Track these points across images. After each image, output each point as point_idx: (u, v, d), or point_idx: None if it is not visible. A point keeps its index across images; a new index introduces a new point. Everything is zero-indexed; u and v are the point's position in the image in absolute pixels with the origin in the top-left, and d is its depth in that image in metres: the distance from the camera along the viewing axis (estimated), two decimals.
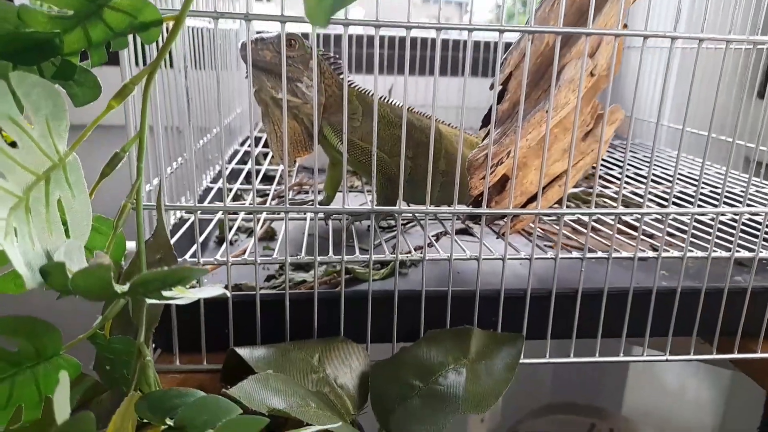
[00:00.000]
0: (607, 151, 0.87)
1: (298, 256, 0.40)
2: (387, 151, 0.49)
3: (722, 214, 0.42)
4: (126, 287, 0.21)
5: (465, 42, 1.01)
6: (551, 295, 0.41)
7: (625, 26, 0.45)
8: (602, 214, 0.41)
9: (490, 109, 0.43)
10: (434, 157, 0.48)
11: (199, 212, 0.41)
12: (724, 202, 0.60)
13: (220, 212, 0.46)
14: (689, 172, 0.75)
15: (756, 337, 0.45)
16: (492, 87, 0.41)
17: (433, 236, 0.56)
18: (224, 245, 0.39)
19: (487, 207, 0.41)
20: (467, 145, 0.54)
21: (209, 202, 0.54)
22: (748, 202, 0.52)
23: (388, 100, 0.53)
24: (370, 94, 0.51)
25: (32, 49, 0.24)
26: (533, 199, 0.46)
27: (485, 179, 0.40)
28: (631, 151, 0.90)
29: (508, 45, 0.44)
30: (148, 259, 0.31)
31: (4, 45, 0.23)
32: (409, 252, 0.48)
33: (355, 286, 0.46)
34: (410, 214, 0.56)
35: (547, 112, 0.39)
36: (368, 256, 0.39)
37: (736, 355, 0.45)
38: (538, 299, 0.41)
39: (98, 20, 0.24)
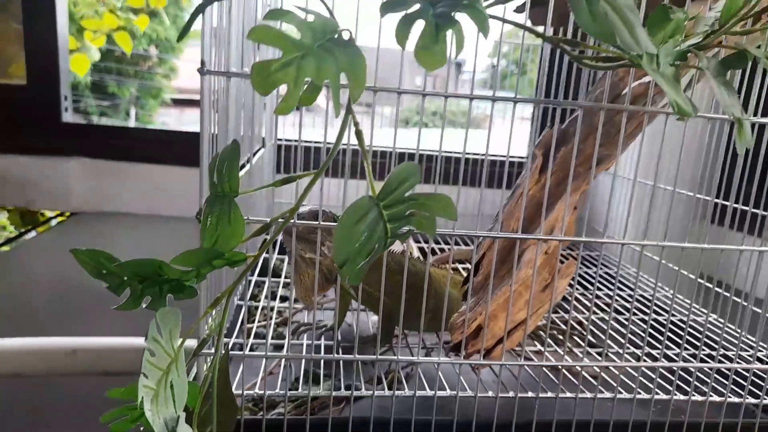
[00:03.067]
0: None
1: (318, 391, 0.52)
2: (387, 293, 0.62)
3: (660, 368, 0.55)
4: None
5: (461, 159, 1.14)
6: (512, 425, 0.53)
7: (575, 208, 0.58)
8: (548, 366, 0.54)
9: (467, 278, 0.56)
10: (427, 297, 0.61)
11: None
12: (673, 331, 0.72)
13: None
14: (641, 294, 0.88)
15: None
16: (471, 262, 0.54)
17: (423, 351, 0.68)
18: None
19: (465, 348, 0.54)
20: (453, 285, 0.67)
21: (243, 325, 0.66)
22: (668, 345, 0.65)
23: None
24: None
25: (164, 283, 0.37)
26: (503, 339, 0.58)
27: (463, 333, 0.53)
28: (594, 265, 1.03)
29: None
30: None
31: (151, 285, 0.36)
32: (403, 389, 0.60)
33: (357, 402, 0.58)
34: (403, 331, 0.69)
35: (510, 286, 0.52)
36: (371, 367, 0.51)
37: None
38: (503, 427, 0.53)
39: (208, 265, 0.37)
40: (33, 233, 1.33)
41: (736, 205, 0.74)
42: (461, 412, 0.53)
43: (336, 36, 0.31)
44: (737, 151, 0.42)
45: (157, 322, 0.34)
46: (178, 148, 1.17)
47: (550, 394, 0.54)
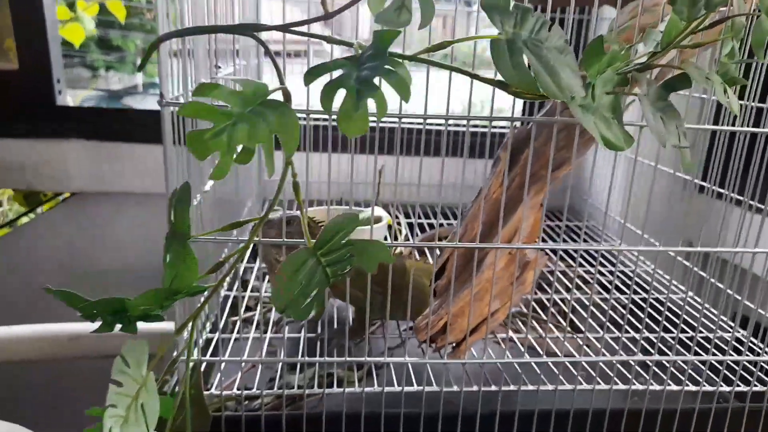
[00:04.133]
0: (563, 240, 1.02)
1: (293, 390, 0.56)
2: (360, 288, 0.64)
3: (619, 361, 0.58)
4: None
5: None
6: (476, 415, 0.57)
7: (541, 205, 0.60)
8: (518, 362, 0.57)
9: (436, 275, 0.58)
10: (400, 289, 0.63)
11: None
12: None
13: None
14: (623, 271, 0.90)
15: None
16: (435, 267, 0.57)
17: (398, 341, 0.72)
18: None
19: (433, 344, 0.57)
20: (426, 275, 0.69)
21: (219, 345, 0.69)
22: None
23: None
24: None
25: (136, 318, 0.40)
26: (473, 331, 0.61)
27: (427, 334, 0.56)
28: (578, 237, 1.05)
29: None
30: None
31: (119, 317, 0.39)
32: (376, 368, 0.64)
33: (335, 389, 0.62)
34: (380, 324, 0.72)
35: (470, 289, 0.55)
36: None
37: None
38: (468, 418, 0.57)
39: (169, 300, 0.40)
40: (39, 209, 1.38)
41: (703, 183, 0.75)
42: (428, 404, 0.56)
43: (269, 98, 0.32)
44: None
45: (122, 357, 0.38)
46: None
47: (512, 387, 0.57)
